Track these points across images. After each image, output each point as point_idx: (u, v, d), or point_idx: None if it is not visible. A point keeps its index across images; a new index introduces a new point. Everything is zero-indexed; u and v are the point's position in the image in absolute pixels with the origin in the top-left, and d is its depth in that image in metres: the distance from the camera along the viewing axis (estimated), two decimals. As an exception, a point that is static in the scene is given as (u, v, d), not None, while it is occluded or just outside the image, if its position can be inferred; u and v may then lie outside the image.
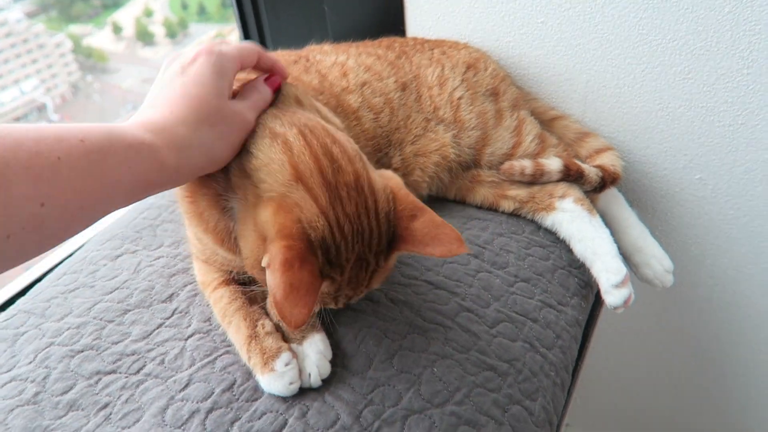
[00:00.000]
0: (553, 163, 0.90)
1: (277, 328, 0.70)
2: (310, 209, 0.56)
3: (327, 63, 0.92)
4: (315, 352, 0.67)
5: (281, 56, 0.92)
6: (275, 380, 0.65)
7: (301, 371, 0.66)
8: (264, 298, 0.75)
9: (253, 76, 0.68)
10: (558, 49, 1.00)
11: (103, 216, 0.52)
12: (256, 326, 0.69)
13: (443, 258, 0.58)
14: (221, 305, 0.74)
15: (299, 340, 0.68)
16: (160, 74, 0.62)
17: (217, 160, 0.59)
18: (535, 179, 0.91)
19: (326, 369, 0.67)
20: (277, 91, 0.68)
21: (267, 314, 0.72)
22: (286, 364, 0.65)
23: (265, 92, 0.65)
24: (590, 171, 0.91)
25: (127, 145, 0.51)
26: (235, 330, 0.71)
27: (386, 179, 0.64)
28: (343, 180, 0.58)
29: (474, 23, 1.05)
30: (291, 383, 0.64)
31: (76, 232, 0.50)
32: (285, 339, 0.69)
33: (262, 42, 1.27)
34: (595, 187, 0.91)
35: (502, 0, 1.00)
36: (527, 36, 1.01)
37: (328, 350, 0.69)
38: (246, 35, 1.29)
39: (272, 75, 0.68)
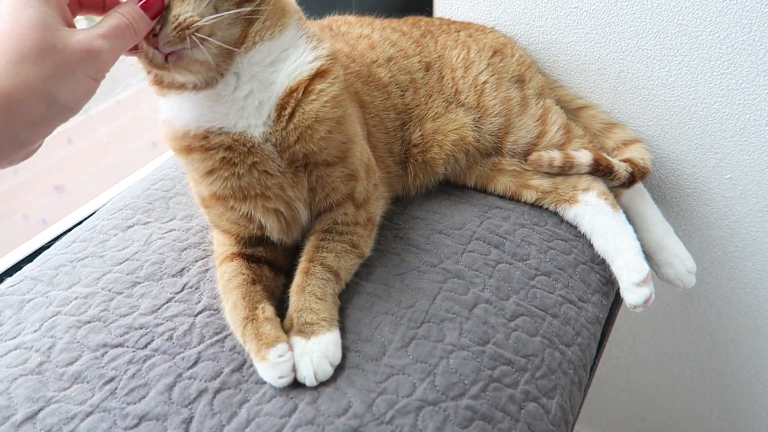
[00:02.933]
0: (583, 156, 0.87)
1: (277, 314, 0.67)
2: None
3: (353, 34, 0.90)
4: (319, 352, 0.63)
5: None
6: (265, 370, 0.62)
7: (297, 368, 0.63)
8: (267, 280, 0.72)
9: None
10: (591, 37, 0.96)
11: None
12: (256, 308, 0.66)
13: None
14: (223, 281, 0.71)
15: (307, 334, 0.64)
16: None
17: (64, 104, 0.50)
18: (564, 171, 0.88)
19: (325, 373, 0.63)
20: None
21: (268, 298, 0.69)
22: (280, 356, 0.62)
23: (128, 14, 0.54)
24: (619, 166, 0.88)
25: None
26: (231, 307, 0.68)
27: None
28: None
29: (504, 5, 1.02)
30: (280, 377, 0.62)
31: None
32: (284, 328, 0.66)
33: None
34: (623, 182, 0.88)
35: (536, -19, 0.96)
36: (560, 21, 0.98)
37: (336, 354, 0.64)
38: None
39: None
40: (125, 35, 0.54)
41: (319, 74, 0.67)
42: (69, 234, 0.86)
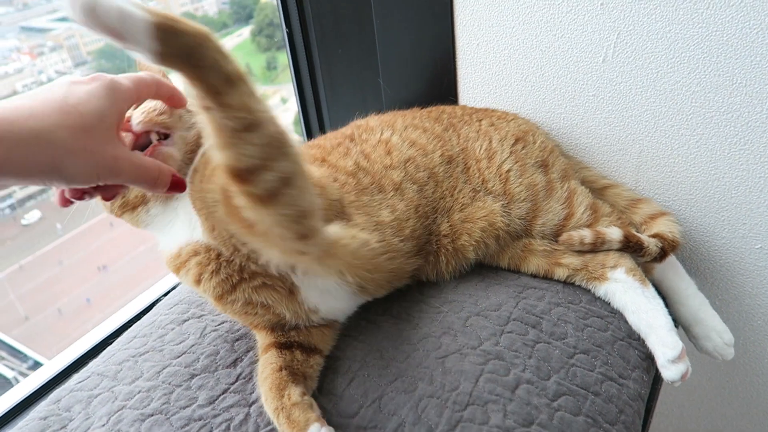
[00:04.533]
0: (613, 233, 0.90)
1: (304, 393, 0.71)
2: None
3: (372, 141, 0.96)
4: None
5: (328, 139, 0.97)
6: None
7: None
8: (297, 363, 0.76)
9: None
10: (610, 121, 1.02)
11: None
12: (283, 396, 0.70)
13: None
14: (257, 374, 0.77)
15: None
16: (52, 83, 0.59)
17: (63, 171, 0.54)
18: (596, 248, 0.91)
19: None
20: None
21: (295, 381, 0.73)
22: None
23: (161, 170, 0.64)
24: (649, 242, 0.91)
25: None
26: (264, 400, 0.72)
27: None
28: None
29: (526, 95, 1.09)
30: None
31: None
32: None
33: (319, 115, 1.33)
34: (655, 257, 0.91)
35: (554, 75, 1.03)
36: (579, 108, 1.04)
37: None
38: (304, 108, 1.36)
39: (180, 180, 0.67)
40: (146, 177, 0.62)
41: None
42: (130, 329, 0.92)
